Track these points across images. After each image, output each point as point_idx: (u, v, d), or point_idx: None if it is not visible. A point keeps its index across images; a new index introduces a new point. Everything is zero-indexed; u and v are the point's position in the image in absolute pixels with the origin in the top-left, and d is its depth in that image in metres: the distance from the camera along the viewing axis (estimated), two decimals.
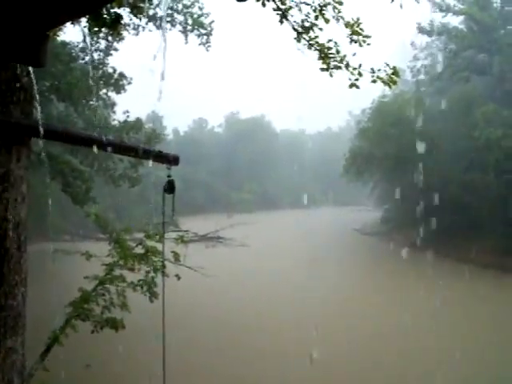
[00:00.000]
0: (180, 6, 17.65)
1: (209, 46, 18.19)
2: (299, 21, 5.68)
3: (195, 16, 17.75)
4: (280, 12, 5.62)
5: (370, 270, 26.56)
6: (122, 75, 19.74)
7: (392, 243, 34.09)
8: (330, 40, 5.72)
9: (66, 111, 19.67)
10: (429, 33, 35.42)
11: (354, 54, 5.70)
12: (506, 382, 12.15)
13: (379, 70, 5.67)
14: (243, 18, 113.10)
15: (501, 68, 29.73)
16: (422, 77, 39.25)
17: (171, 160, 3.38)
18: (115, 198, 36.02)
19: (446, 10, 33.03)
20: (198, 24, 17.78)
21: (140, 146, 3.48)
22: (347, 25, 5.57)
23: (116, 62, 19.96)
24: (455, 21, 34.42)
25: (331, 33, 5.78)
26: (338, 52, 5.69)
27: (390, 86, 5.86)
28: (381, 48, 18.62)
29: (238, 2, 4.37)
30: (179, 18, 17.74)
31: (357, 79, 5.68)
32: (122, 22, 7.35)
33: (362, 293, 20.90)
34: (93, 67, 18.58)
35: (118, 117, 21.03)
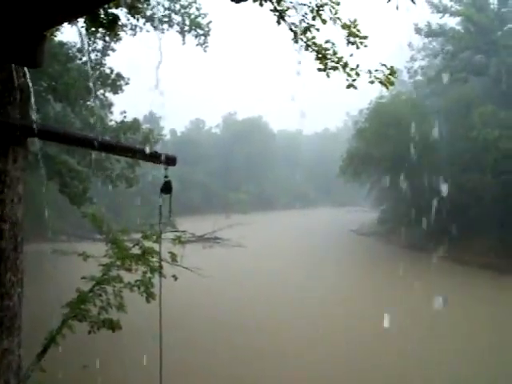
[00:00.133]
0: (177, 7, 17.65)
1: (206, 47, 18.22)
2: (296, 21, 5.68)
3: (193, 16, 17.75)
4: (277, 13, 5.62)
5: (367, 271, 26.56)
6: (119, 75, 19.74)
7: (389, 244, 34.23)
8: (327, 41, 5.72)
9: (63, 111, 19.64)
10: (426, 34, 35.47)
11: (351, 55, 5.71)
12: (505, 382, 12.19)
13: (376, 71, 5.68)
14: (240, 19, 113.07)
15: (498, 69, 29.77)
16: (419, 78, 39.32)
17: (168, 160, 3.38)
18: (112, 199, 36.00)
19: (443, 11, 33.09)
20: (195, 24, 17.79)
21: (137, 147, 3.48)
22: (344, 26, 5.58)
23: (113, 62, 19.98)
24: (452, 22, 34.55)
25: (328, 33, 5.79)
26: (335, 53, 5.70)
27: (387, 87, 5.87)
28: (378, 49, 18.65)
29: (236, 4, 4.36)
30: (177, 18, 17.76)
31: (354, 80, 5.69)
32: (120, 22, 7.35)
33: (359, 293, 20.91)
34: (90, 67, 18.56)
35: (115, 117, 21.07)
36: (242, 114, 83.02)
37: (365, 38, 5.65)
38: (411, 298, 17.61)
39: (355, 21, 5.63)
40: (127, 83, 20.13)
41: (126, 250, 9.06)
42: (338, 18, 5.57)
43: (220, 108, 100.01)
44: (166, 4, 17.43)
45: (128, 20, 14.91)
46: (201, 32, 17.94)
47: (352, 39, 5.64)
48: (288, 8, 5.64)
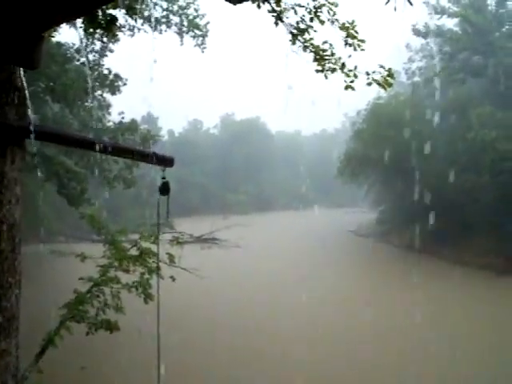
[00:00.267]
0: (175, 8, 17.65)
1: (204, 48, 18.20)
2: (294, 23, 5.68)
3: (191, 17, 17.74)
4: (275, 14, 5.63)
5: (366, 272, 26.58)
6: (117, 76, 19.72)
7: (387, 245, 34.26)
8: (325, 42, 5.73)
9: (61, 112, 19.62)
10: (424, 35, 35.52)
11: (350, 56, 5.71)
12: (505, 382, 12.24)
13: (374, 72, 5.68)
14: (238, 20, 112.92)
15: (495, 70, 29.82)
16: (417, 79, 39.37)
17: (166, 161, 3.38)
18: (110, 200, 35.96)
19: (440, 12, 33.14)
20: (193, 25, 17.78)
21: (135, 148, 3.48)
22: (342, 27, 5.58)
23: (111, 63, 19.97)
24: (450, 23, 34.60)
25: (326, 35, 5.79)
26: (332, 54, 5.70)
27: (385, 89, 5.87)
28: (376, 50, 18.65)
29: (233, 5, 4.36)
30: (175, 19, 17.75)
31: (352, 81, 5.69)
32: (117, 23, 7.35)
33: (359, 294, 20.92)
34: (88, 68, 18.55)
35: (113, 118, 21.04)
36: (239, 114, 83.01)
37: (363, 41, 5.65)
38: (410, 299, 17.64)
39: (353, 22, 5.64)
40: (125, 84, 20.12)
41: (123, 251, 9.06)
42: (336, 20, 5.57)
43: (218, 108, 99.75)
44: (164, 5, 17.43)
45: (126, 21, 14.89)
46: (199, 33, 17.93)
47: (350, 41, 5.64)
48: (286, 9, 5.64)
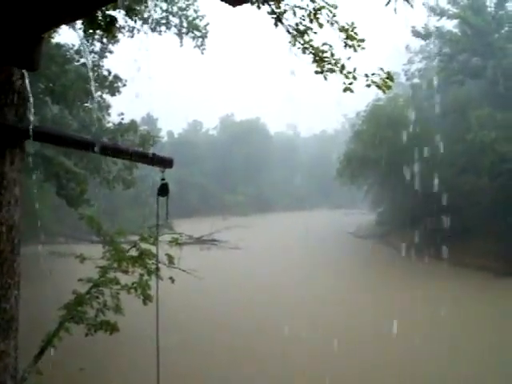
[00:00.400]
0: (175, 9, 17.66)
1: (204, 49, 18.20)
2: (294, 24, 5.68)
3: (190, 19, 17.75)
4: (275, 15, 5.63)
5: (365, 273, 26.58)
6: (116, 77, 19.71)
7: (386, 246, 34.25)
8: (324, 43, 5.72)
9: (60, 113, 19.59)
10: (423, 36, 35.56)
11: (349, 58, 5.70)
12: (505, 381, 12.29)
13: (373, 75, 5.67)
14: (238, 21, 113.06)
15: (495, 71, 29.85)
16: (416, 80, 39.40)
17: (165, 162, 3.38)
18: (110, 201, 35.95)
19: (440, 13, 33.16)
20: (193, 26, 17.78)
21: (134, 149, 3.48)
22: (342, 29, 5.58)
23: (111, 64, 19.97)
24: (449, 24, 34.64)
25: (326, 36, 5.79)
26: (332, 55, 5.70)
27: (384, 91, 5.86)
28: (375, 51, 18.68)
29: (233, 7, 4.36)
30: (174, 20, 17.76)
31: (351, 83, 5.69)
32: (117, 24, 7.35)
33: (358, 295, 20.93)
34: (88, 69, 18.53)
35: (113, 119, 21.01)
36: (239, 115, 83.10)
37: (362, 40, 5.64)
38: (409, 299, 17.66)
39: (353, 24, 5.64)
40: (125, 85, 20.11)
41: (123, 252, 9.06)
42: (336, 21, 5.57)
43: (217, 110, 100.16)
44: (164, 6, 17.44)
45: (126, 22, 14.92)
46: (198, 34, 17.94)
47: (350, 42, 5.64)
48: (285, 11, 5.64)
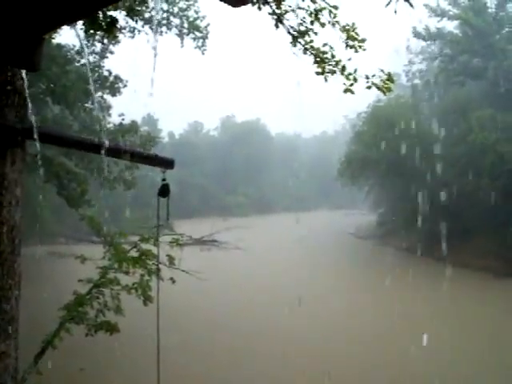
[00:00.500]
0: (176, 10, 17.67)
1: (204, 50, 18.21)
2: (295, 25, 5.68)
3: (191, 19, 17.76)
4: (275, 16, 5.63)
5: (365, 273, 26.56)
6: (117, 78, 19.72)
7: (387, 247, 34.23)
8: (325, 44, 5.72)
9: (61, 114, 19.60)
10: (424, 37, 35.54)
11: (350, 59, 5.71)
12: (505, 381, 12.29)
13: (374, 76, 5.67)
14: (239, 22, 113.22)
15: (495, 72, 29.84)
16: (417, 81, 39.40)
17: (167, 163, 3.39)
18: (110, 201, 35.94)
19: (441, 14, 33.16)
20: (193, 27, 17.79)
21: (136, 150, 3.49)
22: (343, 29, 5.58)
23: (112, 64, 19.98)
24: (450, 25, 34.63)
25: (327, 37, 5.79)
26: (333, 56, 5.70)
27: (384, 93, 5.87)
28: (376, 52, 18.68)
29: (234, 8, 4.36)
30: (175, 21, 17.77)
31: (351, 84, 5.69)
32: (118, 25, 7.36)
33: (358, 295, 20.94)
34: (89, 70, 18.55)
35: (114, 119, 21.00)
36: (240, 116, 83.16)
37: (363, 41, 5.65)
38: (409, 300, 17.67)
39: (354, 24, 5.64)
40: (125, 85, 20.12)
41: (123, 252, 9.04)
42: (337, 22, 5.57)
43: (218, 110, 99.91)
44: (165, 7, 17.45)
45: (127, 22, 14.95)
46: (199, 35, 17.95)
47: (351, 43, 5.64)
48: (286, 11, 5.64)
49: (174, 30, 17.91)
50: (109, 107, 22.02)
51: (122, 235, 9.99)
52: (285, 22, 5.67)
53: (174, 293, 9.89)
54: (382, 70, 5.69)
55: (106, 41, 17.03)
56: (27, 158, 3.35)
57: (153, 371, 4.19)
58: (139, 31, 16.68)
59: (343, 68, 5.69)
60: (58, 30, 11.18)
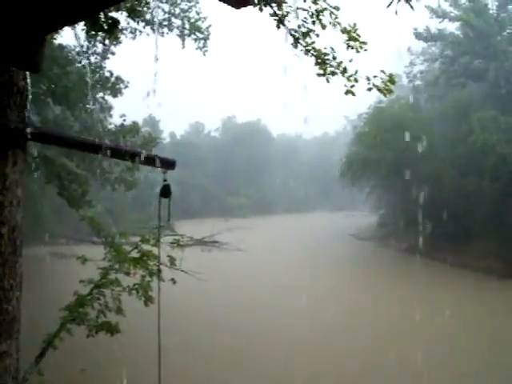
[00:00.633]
0: (177, 11, 17.68)
1: (206, 51, 18.22)
2: (296, 26, 5.68)
3: (192, 20, 17.77)
4: (277, 17, 5.63)
5: (366, 275, 26.55)
6: (118, 79, 19.72)
7: (388, 248, 34.24)
8: (325, 47, 5.72)
9: (62, 115, 19.61)
10: (425, 39, 35.54)
11: (351, 60, 5.70)
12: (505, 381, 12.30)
13: (375, 77, 5.67)
14: (240, 23, 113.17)
15: (497, 74, 29.83)
16: (418, 82, 39.40)
17: (168, 164, 3.39)
18: (111, 202, 35.97)
19: (442, 16, 33.16)
20: (195, 28, 17.80)
21: (136, 150, 3.49)
22: (344, 30, 5.58)
23: (113, 65, 19.98)
24: (451, 27, 34.61)
25: (328, 39, 5.79)
26: (334, 58, 5.70)
27: (385, 95, 5.86)
28: (377, 53, 18.68)
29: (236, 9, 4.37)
30: (176, 22, 17.78)
31: (353, 86, 5.68)
32: (120, 26, 7.37)
33: (359, 296, 20.92)
34: (90, 71, 18.55)
35: (115, 120, 21.02)
36: (241, 117, 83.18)
37: (365, 43, 5.65)
38: (410, 301, 17.65)
39: (355, 25, 5.64)
40: (127, 86, 20.13)
41: (124, 253, 9.04)
42: (338, 23, 5.57)
43: (219, 111, 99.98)
44: (166, 8, 17.46)
45: (128, 23, 14.99)
46: (200, 36, 17.96)
47: (352, 44, 5.64)
48: (288, 13, 5.64)
49: (176, 31, 17.93)
50: (110, 108, 22.04)
51: (122, 236, 9.99)
52: (286, 23, 5.67)
53: (174, 293, 9.87)
54: (382, 71, 5.69)
55: (107, 42, 17.03)
56: (28, 158, 3.36)
57: (153, 372, 4.19)
58: (140, 32, 16.71)
59: (344, 69, 5.69)
60: (60, 31, 11.20)
